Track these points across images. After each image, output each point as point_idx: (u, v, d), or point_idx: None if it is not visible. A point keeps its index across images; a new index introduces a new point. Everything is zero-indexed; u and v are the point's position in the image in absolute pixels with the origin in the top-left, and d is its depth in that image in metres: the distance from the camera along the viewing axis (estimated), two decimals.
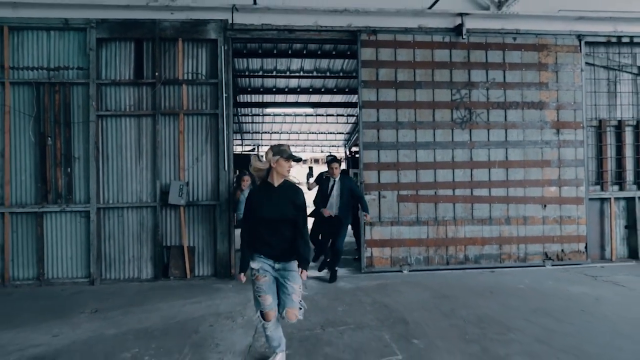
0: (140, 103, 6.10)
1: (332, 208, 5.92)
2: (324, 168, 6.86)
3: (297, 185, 3.11)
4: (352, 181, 6.15)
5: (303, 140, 17.32)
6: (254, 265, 2.99)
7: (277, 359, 3.10)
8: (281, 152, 2.95)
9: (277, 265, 2.99)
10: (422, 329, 3.86)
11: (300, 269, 2.99)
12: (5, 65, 5.84)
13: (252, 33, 6.28)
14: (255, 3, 6.04)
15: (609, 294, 4.91)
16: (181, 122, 6.07)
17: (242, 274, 3.11)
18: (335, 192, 5.91)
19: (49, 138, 5.91)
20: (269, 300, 2.94)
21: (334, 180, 5.96)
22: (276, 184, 2.99)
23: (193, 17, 6.11)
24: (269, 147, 3.09)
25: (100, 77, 6.01)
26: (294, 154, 3.03)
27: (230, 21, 6.13)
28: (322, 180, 6.19)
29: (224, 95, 6.11)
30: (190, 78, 6.15)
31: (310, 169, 19.36)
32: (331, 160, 6.16)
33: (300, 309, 3.03)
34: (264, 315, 2.96)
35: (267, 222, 2.93)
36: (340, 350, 3.41)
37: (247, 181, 6.43)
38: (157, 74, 6.04)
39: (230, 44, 6.25)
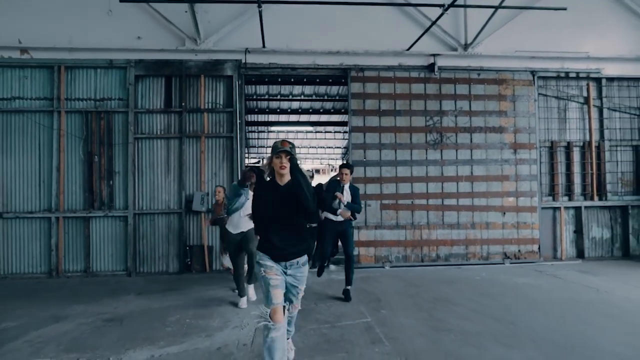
0: (169, 128, 7.45)
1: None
2: (321, 178, 7.79)
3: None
4: (358, 191, 5.85)
5: (304, 154, 18.72)
6: (265, 262, 2.89)
7: None
8: (272, 149, 2.89)
9: (288, 271, 2.96)
10: (390, 304, 5.12)
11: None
12: (61, 97, 7.22)
13: (261, 70, 7.67)
14: (264, 46, 7.41)
15: (546, 283, 6.15)
16: (202, 144, 7.40)
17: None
18: (345, 199, 5.51)
19: (95, 156, 7.26)
20: (280, 296, 2.84)
21: (343, 186, 5.57)
22: (281, 183, 2.93)
23: (213, 57, 7.49)
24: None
25: (137, 107, 7.37)
26: (287, 148, 2.83)
27: (243, 61, 7.51)
28: (333, 184, 5.72)
29: (238, 121, 7.46)
30: (210, 107, 7.50)
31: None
32: (342, 165, 5.83)
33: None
34: (272, 314, 2.78)
35: (272, 222, 2.88)
36: (327, 316, 4.68)
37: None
38: (183, 104, 7.40)
39: (243, 79, 7.62)
